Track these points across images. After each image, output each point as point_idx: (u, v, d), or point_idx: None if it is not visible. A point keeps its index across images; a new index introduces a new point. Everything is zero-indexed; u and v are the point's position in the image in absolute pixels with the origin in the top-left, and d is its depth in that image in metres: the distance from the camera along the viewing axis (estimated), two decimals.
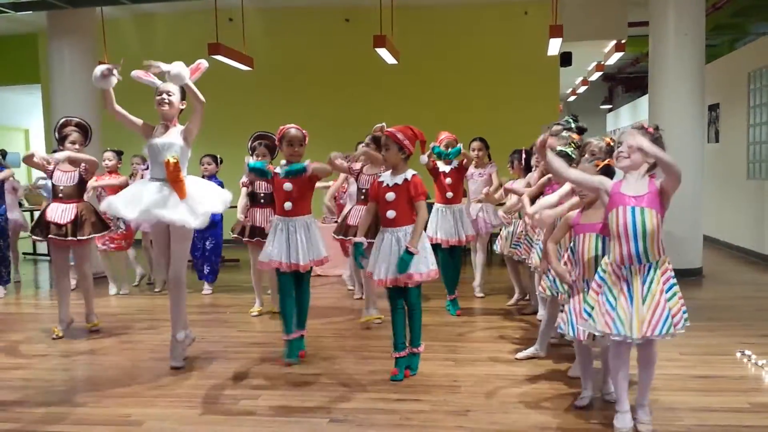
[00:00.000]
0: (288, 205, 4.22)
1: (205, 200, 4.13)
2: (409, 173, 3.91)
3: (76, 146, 5.07)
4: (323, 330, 5.17)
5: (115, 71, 4.01)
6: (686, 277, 7.01)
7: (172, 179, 4.01)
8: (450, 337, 4.90)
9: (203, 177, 6.46)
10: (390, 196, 3.88)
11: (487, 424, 3.29)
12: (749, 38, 10.60)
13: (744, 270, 7.76)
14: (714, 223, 9.35)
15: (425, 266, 3.86)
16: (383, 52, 7.88)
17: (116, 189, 5.84)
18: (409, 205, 3.89)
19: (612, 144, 3.78)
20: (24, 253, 9.63)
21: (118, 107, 4.14)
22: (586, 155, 3.73)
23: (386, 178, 3.96)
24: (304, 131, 4.35)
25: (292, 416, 3.44)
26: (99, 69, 4.01)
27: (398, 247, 3.84)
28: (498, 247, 5.74)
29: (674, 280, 2.94)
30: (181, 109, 4.27)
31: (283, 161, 4.33)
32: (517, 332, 5.04)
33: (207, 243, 6.66)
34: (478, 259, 6.36)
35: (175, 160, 4.02)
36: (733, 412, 3.36)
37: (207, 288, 6.80)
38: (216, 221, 6.49)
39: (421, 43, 10.07)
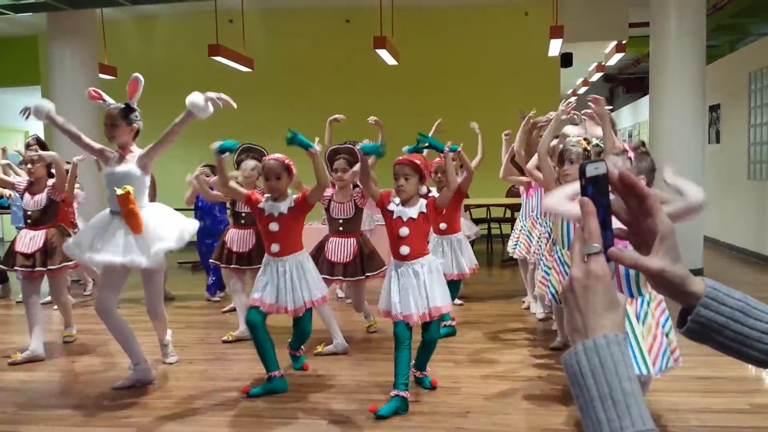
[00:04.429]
0: (275, 247, 3.70)
1: (163, 235, 3.77)
2: (422, 203, 3.52)
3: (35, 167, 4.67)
4: (322, 332, 5.16)
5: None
6: None
7: (125, 213, 3.70)
8: (449, 339, 4.88)
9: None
10: (404, 231, 3.48)
11: (487, 425, 3.28)
12: (750, 39, 10.59)
13: (745, 271, 7.75)
14: (715, 224, 9.33)
15: (447, 298, 3.57)
16: (383, 53, 7.88)
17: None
18: (424, 235, 3.59)
19: (588, 148, 3.64)
20: None
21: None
22: (565, 163, 3.58)
23: (399, 210, 3.51)
24: (287, 161, 3.71)
25: (291, 417, 3.44)
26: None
27: (416, 280, 3.45)
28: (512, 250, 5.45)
29: (668, 313, 2.81)
30: (136, 132, 3.92)
31: (267, 196, 3.77)
32: (516, 333, 5.04)
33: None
34: None
35: (127, 192, 3.67)
36: (734, 413, 3.36)
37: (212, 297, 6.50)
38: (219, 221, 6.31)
39: (422, 44, 10.08)
